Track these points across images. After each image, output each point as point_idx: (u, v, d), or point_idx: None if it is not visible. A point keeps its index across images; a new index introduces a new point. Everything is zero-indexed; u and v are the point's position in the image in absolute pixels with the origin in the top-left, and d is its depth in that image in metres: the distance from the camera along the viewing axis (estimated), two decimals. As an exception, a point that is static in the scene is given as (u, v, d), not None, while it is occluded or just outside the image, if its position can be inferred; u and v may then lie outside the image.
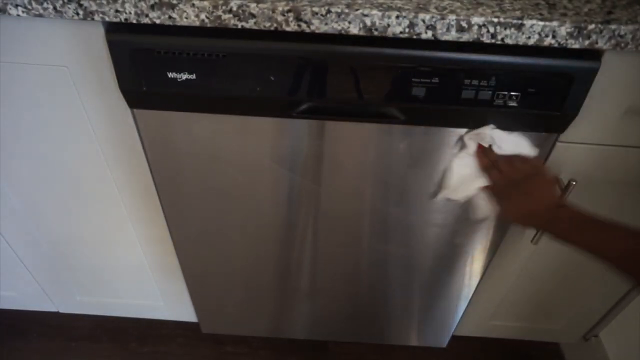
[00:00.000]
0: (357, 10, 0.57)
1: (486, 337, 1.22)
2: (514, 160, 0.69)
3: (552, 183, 0.71)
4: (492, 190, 0.73)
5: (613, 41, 0.58)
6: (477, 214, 0.78)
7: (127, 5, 0.57)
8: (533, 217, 0.69)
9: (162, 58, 0.62)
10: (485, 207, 0.77)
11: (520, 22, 0.57)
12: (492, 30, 0.58)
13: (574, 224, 0.66)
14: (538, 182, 0.69)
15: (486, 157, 0.71)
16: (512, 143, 0.69)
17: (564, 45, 0.59)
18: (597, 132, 0.71)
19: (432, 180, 0.78)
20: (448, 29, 0.58)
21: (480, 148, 0.71)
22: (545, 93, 0.64)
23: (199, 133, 0.73)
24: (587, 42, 0.59)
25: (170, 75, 0.63)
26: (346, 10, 0.57)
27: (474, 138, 0.70)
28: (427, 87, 0.63)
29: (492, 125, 0.68)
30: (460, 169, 0.73)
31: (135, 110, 0.71)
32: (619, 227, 0.63)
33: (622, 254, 0.62)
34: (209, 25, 0.59)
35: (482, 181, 0.73)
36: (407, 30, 0.58)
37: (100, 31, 0.62)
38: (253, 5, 0.57)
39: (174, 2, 0.57)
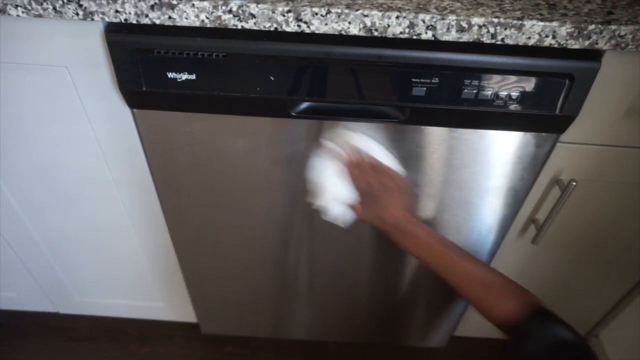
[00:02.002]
0: (357, 10, 0.57)
1: (487, 337, 1.22)
2: (374, 166, 0.72)
3: (405, 197, 0.74)
4: (360, 194, 0.75)
5: (613, 41, 0.58)
6: (338, 219, 0.79)
7: (127, 5, 0.57)
8: (382, 222, 0.74)
9: (162, 58, 0.62)
10: (348, 212, 0.78)
11: (520, 22, 0.57)
12: (492, 30, 0.58)
13: (416, 239, 0.73)
14: (394, 195, 0.73)
15: (350, 160, 0.72)
16: (371, 149, 0.71)
17: (564, 45, 0.59)
18: (597, 132, 0.71)
19: (432, 181, 0.78)
20: (448, 30, 0.58)
21: (346, 151, 0.72)
22: (545, 93, 0.64)
23: (199, 133, 0.73)
24: (587, 43, 0.59)
25: (170, 75, 0.63)
26: (346, 11, 0.57)
27: (336, 142, 0.71)
28: (427, 87, 0.63)
29: (351, 132, 0.70)
30: (328, 175, 0.74)
31: (135, 110, 0.71)
32: (469, 261, 0.71)
33: (469, 289, 0.70)
34: (208, 25, 0.59)
35: (347, 184, 0.74)
36: (407, 30, 0.58)
37: (100, 31, 0.62)
38: (253, 5, 0.57)
39: (174, 2, 0.57)
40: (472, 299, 0.71)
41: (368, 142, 0.71)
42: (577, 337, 0.64)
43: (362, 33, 0.59)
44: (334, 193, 0.74)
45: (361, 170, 0.71)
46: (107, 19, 0.59)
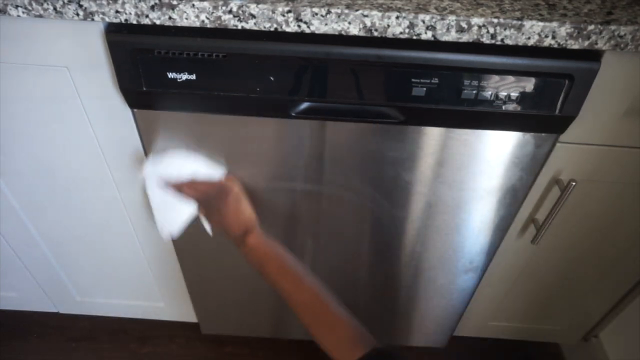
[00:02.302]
0: (357, 10, 0.57)
1: (486, 337, 1.22)
2: (199, 180, 0.73)
3: (242, 205, 0.73)
4: (199, 204, 0.75)
5: (613, 42, 0.58)
6: (206, 228, 0.81)
7: (127, 5, 0.57)
8: (228, 233, 0.73)
9: (162, 58, 0.62)
10: (205, 222, 0.80)
11: (520, 22, 0.57)
12: (491, 30, 0.58)
13: (256, 254, 0.70)
14: (228, 201, 0.72)
15: (177, 181, 0.73)
16: (191, 163, 0.73)
17: (564, 45, 0.59)
18: (597, 132, 0.71)
19: (432, 181, 0.78)
20: (448, 30, 0.58)
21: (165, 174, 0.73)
22: (545, 93, 0.64)
23: (199, 133, 0.73)
24: (586, 43, 0.59)
25: (170, 75, 0.64)
26: (346, 11, 0.57)
27: (158, 166, 0.73)
28: (427, 87, 0.63)
29: (167, 155, 0.73)
30: (159, 203, 0.76)
31: (135, 110, 0.71)
32: (301, 277, 0.66)
33: (298, 305, 0.65)
34: (209, 25, 0.59)
35: (187, 203, 0.75)
36: (407, 30, 0.58)
37: (101, 32, 0.62)
38: (253, 5, 0.57)
39: (174, 2, 0.57)
40: (314, 328, 0.64)
41: (180, 159, 0.73)
42: None
43: (362, 33, 0.59)
44: (180, 211, 0.76)
45: (181, 186, 0.73)
46: (107, 19, 0.59)
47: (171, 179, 0.74)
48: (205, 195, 0.74)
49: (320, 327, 0.62)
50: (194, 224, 0.80)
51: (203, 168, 0.74)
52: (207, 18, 0.58)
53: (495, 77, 0.63)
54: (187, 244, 0.94)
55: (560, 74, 0.62)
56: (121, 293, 1.14)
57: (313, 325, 0.63)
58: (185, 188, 0.74)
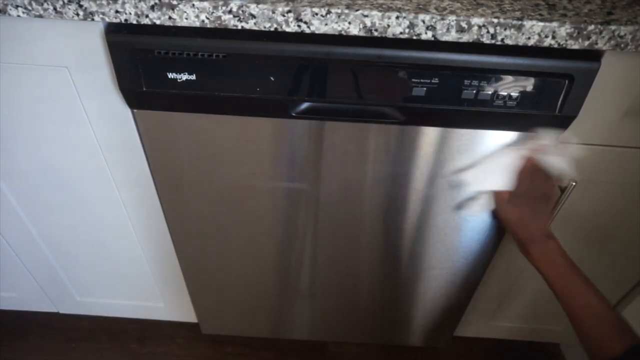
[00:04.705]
0: (357, 10, 0.57)
1: (487, 337, 1.22)
2: (544, 176, 0.70)
3: (551, 214, 0.76)
4: (512, 191, 0.73)
5: (613, 42, 0.58)
6: (471, 209, 0.79)
7: (127, 5, 0.57)
8: (525, 229, 0.74)
9: (162, 58, 0.62)
10: (482, 203, 0.77)
11: (520, 22, 0.57)
12: (492, 30, 0.58)
13: (551, 257, 0.72)
14: (546, 207, 0.74)
15: (530, 162, 0.70)
16: (561, 159, 0.69)
17: (564, 45, 0.59)
18: (597, 132, 0.71)
19: (432, 181, 0.78)
20: (448, 30, 0.58)
21: (533, 149, 0.69)
22: (545, 94, 0.64)
23: (199, 133, 0.73)
24: (586, 43, 0.59)
25: (170, 75, 0.64)
26: (346, 11, 0.57)
27: (537, 141, 0.69)
28: (427, 87, 0.63)
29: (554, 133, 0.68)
30: (496, 160, 0.72)
31: (135, 110, 0.71)
32: (589, 287, 0.69)
33: (580, 314, 0.68)
34: (209, 25, 0.59)
35: (507, 181, 0.72)
36: (407, 30, 0.58)
37: (100, 32, 0.62)
38: (253, 5, 0.57)
39: (174, 2, 0.57)
40: (581, 327, 0.69)
41: (562, 155, 0.69)
42: None
43: (362, 33, 0.59)
44: (495, 181, 0.73)
45: (534, 174, 0.70)
46: (107, 19, 0.59)
47: (527, 160, 0.70)
48: (533, 191, 0.72)
49: (598, 326, 0.66)
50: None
51: (558, 171, 0.70)
52: (207, 18, 0.58)
53: (495, 77, 0.63)
54: (187, 244, 0.94)
55: (560, 74, 0.62)
56: (121, 293, 1.14)
57: (592, 324, 0.67)
58: (527, 176, 0.71)
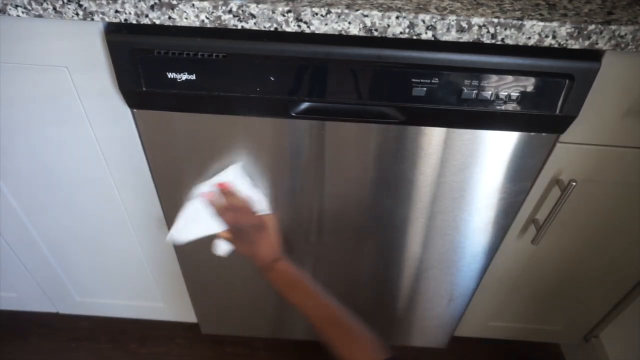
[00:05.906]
0: (357, 10, 0.57)
1: (486, 337, 1.22)
2: (245, 207, 0.76)
3: (275, 238, 0.78)
4: (229, 229, 0.78)
5: (613, 42, 0.58)
6: (217, 250, 0.82)
7: (126, 5, 0.57)
8: (255, 260, 0.78)
9: (162, 58, 0.62)
10: (224, 245, 0.81)
11: (520, 22, 0.57)
12: (492, 30, 0.58)
13: (284, 279, 0.76)
14: (263, 234, 0.77)
15: (224, 199, 0.76)
16: (242, 187, 0.77)
17: (564, 45, 0.59)
18: (597, 132, 0.71)
19: (432, 181, 0.78)
20: (448, 30, 0.58)
21: (221, 189, 0.76)
22: (545, 93, 0.64)
23: (199, 133, 0.73)
24: (587, 43, 0.58)
25: (170, 75, 0.63)
26: (346, 11, 0.57)
27: (208, 182, 0.75)
28: (427, 87, 0.63)
29: (239, 165, 0.75)
30: (191, 212, 0.77)
31: (135, 110, 0.71)
32: (322, 296, 0.72)
33: (320, 321, 0.71)
34: (208, 25, 0.59)
35: (216, 223, 0.77)
36: (407, 30, 0.58)
37: (100, 31, 0.62)
38: (253, 5, 0.57)
39: (174, 2, 0.57)
40: (335, 341, 0.70)
41: (241, 180, 0.76)
42: None
43: (362, 33, 0.59)
44: (202, 227, 0.78)
45: (228, 208, 0.75)
46: (107, 19, 0.59)
47: (220, 200, 0.76)
48: (242, 224, 0.76)
49: (340, 339, 0.69)
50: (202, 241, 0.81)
51: (254, 201, 0.77)
52: (207, 18, 0.58)
53: (496, 77, 0.63)
54: (186, 245, 0.94)
55: (561, 73, 0.62)
56: (121, 293, 1.14)
57: (334, 338, 0.69)
58: (228, 213, 0.76)
